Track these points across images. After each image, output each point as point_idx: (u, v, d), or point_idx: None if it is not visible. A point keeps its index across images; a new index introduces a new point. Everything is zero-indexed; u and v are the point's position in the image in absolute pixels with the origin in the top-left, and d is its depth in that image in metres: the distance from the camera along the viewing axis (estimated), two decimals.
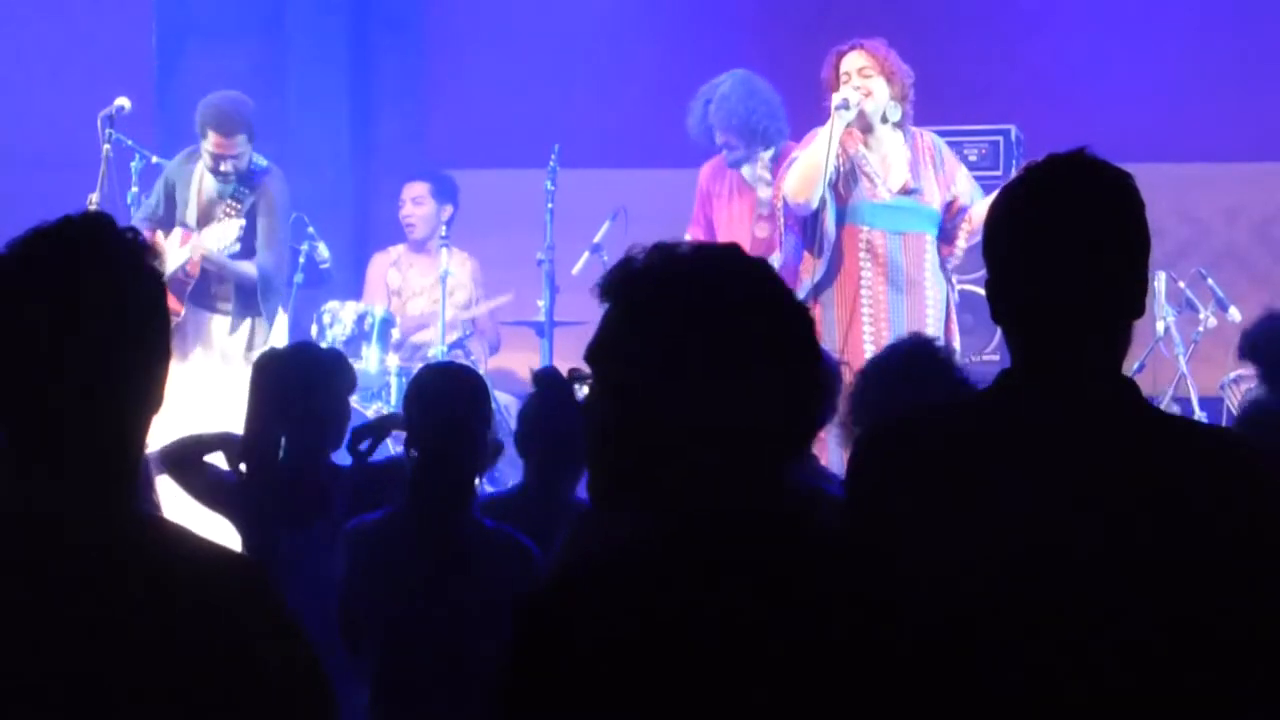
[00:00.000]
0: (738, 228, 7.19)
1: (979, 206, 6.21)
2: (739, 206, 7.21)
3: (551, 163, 7.84)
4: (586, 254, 7.83)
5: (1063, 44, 8.75)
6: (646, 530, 2.00)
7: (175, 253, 7.12)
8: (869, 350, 5.98)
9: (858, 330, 6.24)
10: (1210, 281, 7.58)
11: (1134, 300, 2.33)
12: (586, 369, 2.00)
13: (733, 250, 1.98)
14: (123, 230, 2.04)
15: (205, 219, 7.28)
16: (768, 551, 1.92)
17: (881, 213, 6.27)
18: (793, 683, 1.86)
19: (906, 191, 6.28)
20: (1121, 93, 8.57)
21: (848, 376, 4.11)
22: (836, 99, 6.18)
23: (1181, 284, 7.53)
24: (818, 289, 6.25)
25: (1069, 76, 8.66)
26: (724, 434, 1.91)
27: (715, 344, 1.90)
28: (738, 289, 1.93)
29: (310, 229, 7.95)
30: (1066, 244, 2.29)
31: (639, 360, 1.92)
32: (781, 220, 6.41)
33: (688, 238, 7.46)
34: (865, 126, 6.30)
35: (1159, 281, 7.37)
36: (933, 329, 6.11)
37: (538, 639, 1.92)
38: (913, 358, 3.87)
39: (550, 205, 7.79)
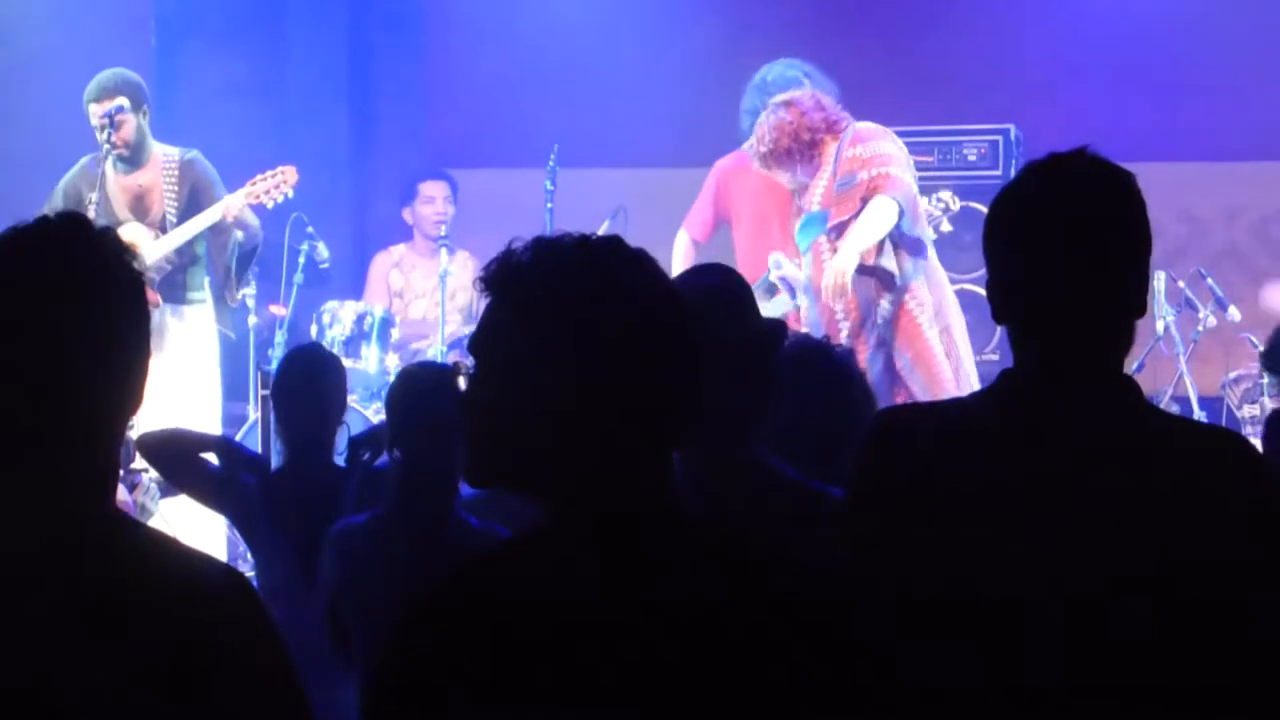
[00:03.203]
0: (768, 224, 7.21)
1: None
2: (770, 202, 7.19)
3: (551, 162, 7.84)
4: None
5: (1063, 44, 8.75)
6: (522, 534, 2.01)
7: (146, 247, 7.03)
8: None
9: None
10: (1210, 281, 7.59)
11: (1135, 299, 2.33)
12: (470, 360, 2.01)
13: (616, 244, 1.97)
14: (100, 231, 2.04)
15: (141, 214, 7.20)
16: (642, 550, 1.91)
17: (796, 237, 6.58)
18: (663, 686, 1.85)
19: (801, 210, 6.53)
20: (1121, 93, 8.58)
21: None
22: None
23: (1181, 283, 7.53)
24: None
25: (1069, 76, 8.66)
26: (600, 429, 1.90)
27: (592, 338, 1.89)
28: (618, 283, 1.92)
29: (310, 229, 7.96)
30: (1068, 243, 2.29)
31: (517, 353, 1.92)
32: None
33: (683, 233, 7.47)
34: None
35: (1159, 281, 7.37)
36: (845, 322, 6.38)
37: (403, 649, 1.94)
38: (796, 363, 3.84)
39: (550, 205, 7.80)
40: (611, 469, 1.92)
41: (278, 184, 7.11)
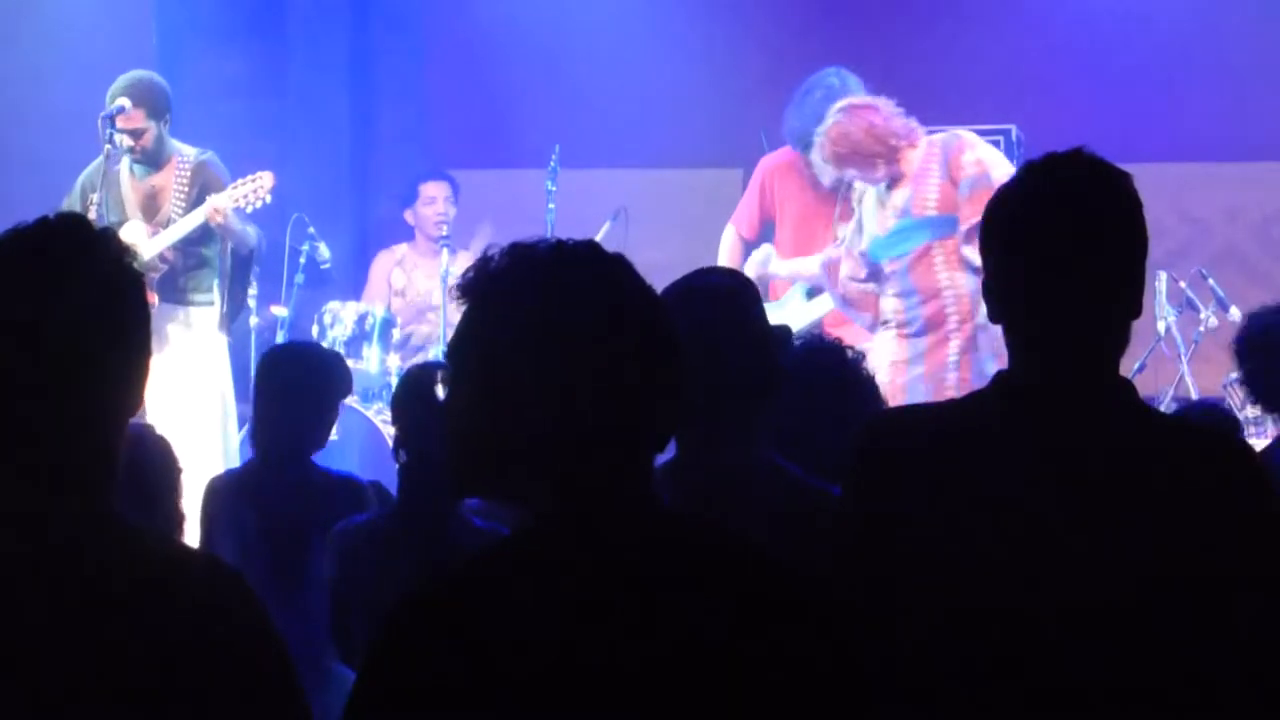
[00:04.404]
0: (812, 224, 7.26)
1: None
2: (813, 200, 7.20)
3: (552, 163, 7.84)
4: None
5: (1063, 44, 8.75)
6: (506, 538, 2.00)
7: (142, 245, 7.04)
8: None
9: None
10: (1211, 281, 7.58)
11: (1131, 300, 2.33)
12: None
13: (592, 249, 1.96)
14: (100, 231, 2.05)
15: (151, 213, 7.23)
16: (624, 553, 1.90)
17: (885, 243, 6.46)
18: (649, 688, 1.84)
19: (901, 213, 6.42)
20: (1121, 93, 8.57)
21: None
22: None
23: (1182, 284, 7.53)
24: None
25: (1069, 76, 8.66)
26: (576, 434, 1.89)
27: (566, 344, 1.89)
28: (593, 289, 1.92)
29: (310, 229, 7.95)
30: (1063, 243, 2.29)
31: (492, 360, 1.91)
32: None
33: (730, 228, 7.46)
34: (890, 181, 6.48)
35: (1160, 281, 7.37)
36: (956, 330, 6.30)
37: (388, 650, 1.93)
38: (808, 365, 3.84)
39: (551, 206, 7.79)
40: (590, 473, 1.91)
41: (255, 189, 7.12)
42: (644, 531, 1.92)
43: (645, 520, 1.94)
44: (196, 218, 7.05)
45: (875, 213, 6.50)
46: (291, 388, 4.62)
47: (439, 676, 1.87)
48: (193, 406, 6.98)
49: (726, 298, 3.09)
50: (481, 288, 1.94)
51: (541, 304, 1.90)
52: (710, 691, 1.84)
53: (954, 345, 6.31)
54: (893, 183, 6.41)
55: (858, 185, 6.83)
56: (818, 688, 1.87)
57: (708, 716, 1.84)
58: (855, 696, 1.90)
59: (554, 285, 1.91)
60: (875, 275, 6.54)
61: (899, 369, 6.37)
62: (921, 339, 6.33)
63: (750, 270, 7.06)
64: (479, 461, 1.95)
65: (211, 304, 7.26)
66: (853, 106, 6.44)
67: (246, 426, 7.38)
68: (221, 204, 7.02)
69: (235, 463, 7.03)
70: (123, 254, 2.03)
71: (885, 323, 6.43)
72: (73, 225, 2.03)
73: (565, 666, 1.85)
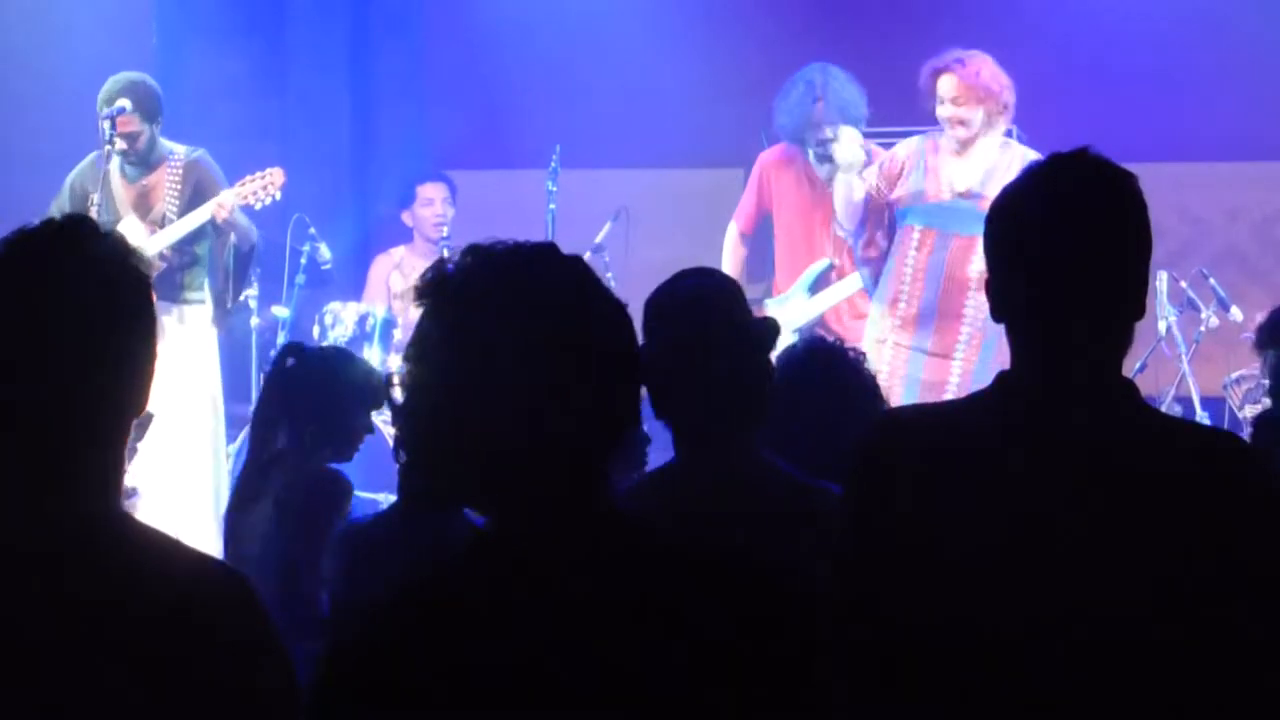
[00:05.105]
0: (810, 217, 7.28)
1: None
2: (808, 195, 7.20)
3: (553, 163, 7.84)
4: (588, 254, 7.83)
5: (1063, 44, 8.75)
6: (468, 544, 1.97)
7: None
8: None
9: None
10: (1212, 281, 7.58)
11: (1135, 301, 2.32)
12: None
13: (550, 252, 1.94)
14: (105, 232, 2.05)
15: (144, 211, 7.23)
16: (582, 556, 1.88)
17: (933, 211, 6.40)
18: (610, 691, 1.82)
19: (968, 195, 6.33)
20: (1121, 93, 8.57)
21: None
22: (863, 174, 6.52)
23: (1183, 284, 7.52)
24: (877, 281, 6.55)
25: (1069, 76, 8.66)
26: (530, 442, 1.86)
27: (524, 349, 1.86)
28: (553, 291, 1.89)
29: (312, 230, 7.95)
30: (1067, 244, 2.29)
31: (446, 364, 1.88)
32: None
33: (732, 225, 7.46)
34: (963, 144, 6.40)
35: (1160, 281, 7.36)
36: (969, 326, 6.30)
37: (365, 649, 1.91)
38: (808, 361, 3.83)
39: (552, 206, 7.79)
40: (544, 478, 1.88)
41: (265, 185, 7.12)
42: (627, 534, 1.91)
43: (622, 523, 1.91)
44: (202, 214, 7.06)
45: (922, 172, 6.41)
46: (294, 389, 4.62)
47: (414, 678, 1.86)
48: (183, 403, 6.97)
49: (720, 298, 3.09)
50: (439, 291, 1.91)
51: (491, 305, 1.87)
52: (704, 693, 1.83)
53: (961, 344, 6.29)
54: (961, 149, 6.36)
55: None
56: (812, 689, 1.87)
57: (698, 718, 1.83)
58: (851, 697, 1.90)
59: (513, 287, 1.88)
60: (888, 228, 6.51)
61: (900, 353, 6.34)
62: (928, 325, 6.30)
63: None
64: (444, 468, 1.91)
65: (203, 302, 7.26)
66: (970, 54, 6.40)
67: (246, 429, 7.39)
68: (229, 200, 7.02)
69: (223, 461, 7.05)
70: (128, 255, 2.03)
71: (894, 300, 6.39)
72: (79, 227, 2.03)
73: (543, 670, 1.83)
